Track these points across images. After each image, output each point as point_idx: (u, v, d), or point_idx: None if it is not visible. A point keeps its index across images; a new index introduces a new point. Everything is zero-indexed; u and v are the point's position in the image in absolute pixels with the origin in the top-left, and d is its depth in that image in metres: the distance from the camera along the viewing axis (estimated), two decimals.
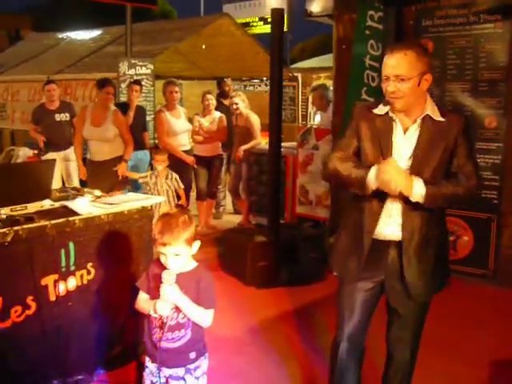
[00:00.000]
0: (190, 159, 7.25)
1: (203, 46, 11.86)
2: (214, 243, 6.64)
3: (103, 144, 6.51)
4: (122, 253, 3.86)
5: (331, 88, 7.33)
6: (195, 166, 7.40)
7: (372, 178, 2.68)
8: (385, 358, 3.22)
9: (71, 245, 3.56)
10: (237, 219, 8.33)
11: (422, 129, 2.73)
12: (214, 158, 7.72)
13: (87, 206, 3.87)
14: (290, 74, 13.67)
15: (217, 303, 2.67)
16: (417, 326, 3.03)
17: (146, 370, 2.80)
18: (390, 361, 3.17)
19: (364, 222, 2.85)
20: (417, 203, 2.69)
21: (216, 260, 6.27)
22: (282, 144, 6.07)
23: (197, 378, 2.72)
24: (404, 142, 2.76)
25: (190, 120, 7.67)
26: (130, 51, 9.81)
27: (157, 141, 7.67)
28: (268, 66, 5.85)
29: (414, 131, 2.75)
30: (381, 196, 2.77)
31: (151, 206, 4.04)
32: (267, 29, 16.27)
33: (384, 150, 2.76)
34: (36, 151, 7.94)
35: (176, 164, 7.02)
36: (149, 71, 9.61)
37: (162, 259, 2.60)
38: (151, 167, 7.20)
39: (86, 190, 4.44)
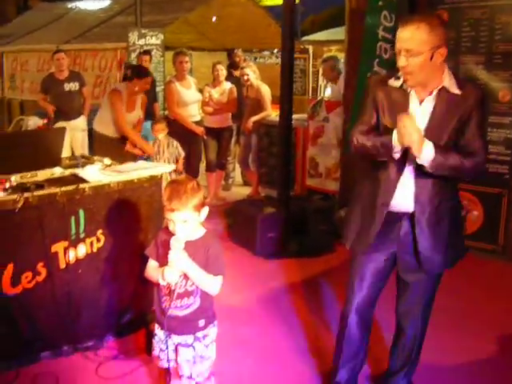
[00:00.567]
0: (199, 130, 7.21)
1: (214, 19, 11.75)
2: (224, 214, 6.65)
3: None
4: (132, 221, 3.86)
5: (342, 60, 7.26)
6: (205, 136, 7.36)
7: (395, 139, 2.63)
8: (393, 330, 3.23)
9: (81, 212, 3.57)
10: (246, 191, 8.32)
11: (438, 101, 2.68)
12: (223, 129, 7.67)
13: (97, 173, 3.87)
14: (301, 47, 13.53)
15: (225, 270, 2.66)
16: (427, 299, 3.02)
17: (156, 337, 2.81)
18: (398, 334, 3.17)
19: (379, 194, 2.83)
20: (429, 175, 2.67)
21: (225, 231, 6.29)
22: (293, 116, 6.03)
23: (206, 346, 2.73)
24: (419, 113, 2.71)
25: (201, 91, 7.61)
26: (140, 21, 9.72)
27: (167, 111, 7.62)
28: (279, 38, 5.78)
29: (430, 103, 2.70)
30: (398, 167, 2.75)
31: (161, 175, 4.03)
32: (279, 0, 16.07)
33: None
34: (46, 121, 7.92)
35: (186, 135, 7.00)
36: (159, 41, 9.55)
37: (170, 226, 2.59)
38: None
39: (95, 158, 4.43)
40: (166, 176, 4.01)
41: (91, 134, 6.90)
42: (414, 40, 2.55)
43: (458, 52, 5.76)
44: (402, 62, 2.60)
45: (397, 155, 2.68)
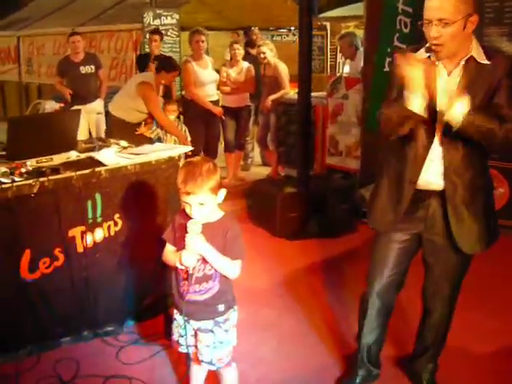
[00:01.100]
0: (217, 110, 7.13)
1: None
2: (243, 195, 6.57)
3: None
4: (149, 204, 3.80)
5: (360, 36, 7.11)
6: (223, 117, 7.28)
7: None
8: (418, 312, 3.15)
9: (98, 196, 3.52)
10: (265, 171, 8.25)
11: (465, 71, 2.56)
12: (241, 108, 7.59)
13: (113, 156, 3.81)
14: (319, 23, 13.34)
15: (245, 253, 2.59)
16: (456, 281, 2.94)
17: (175, 322, 2.76)
18: (425, 316, 3.09)
19: (406, 171, 2.73)
20: (458, 149, 2.58)
21: (245, 212, 6.20)
22: (312, 94, 5.92)
23: (226, 331, 2.66)
24: (447, 85, 2.60)
25: (217, 71, 7.52)
26: (155, 1, 9.61)
27: (183, 92, 7.54)
28: (295, 15, 5.69)
29: (457, 74, 2.59)
30: (426, 142, 2.65)
31: (178, 156, 3.96)
32: None
33: (428, 94, 2.62)
34: (62, 104, 7.90)
35: (203, 115, 6.94)
36: (174, 21, 9.45)
37: (187, 209, 2.52)
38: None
39: (112, 140, 4.37)
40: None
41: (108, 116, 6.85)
42: (447, 8, 2.44)
43: (482, 24, 5.58)
44: (434, 32, 2.48)
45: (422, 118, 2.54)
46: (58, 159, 3.68)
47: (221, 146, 7.73)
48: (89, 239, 3.52)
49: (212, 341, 2.65)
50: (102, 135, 7.45)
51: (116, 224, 3.64)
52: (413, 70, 2.43)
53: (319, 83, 10.91)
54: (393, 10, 5.75)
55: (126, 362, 3.43)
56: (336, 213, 5.77)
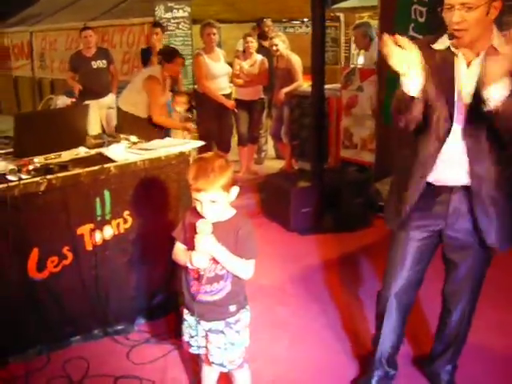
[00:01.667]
0: (230, 103, 7.04)
1: None
2: (256, 189, 6.50)
3: None
4: (160, 200, 3.73)
5: (374, 26, 6.98)
6: (235, 110, 7.20)
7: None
8: (437, 312, 3.05)
9: (106, 193, 3.45)
10: (279, 164, 8.15)
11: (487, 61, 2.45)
12: (255, 101, 7.49)
13: (123, 152, 3.74)
14: (332, 14, 13.20)
15: (258, 253, 2.50)
16: (478, 279, 2.83)
17: (185, 322, 2.68)
18: (445, 316, 2.99)
19: (417, 166, 2.63)
20: (482, 145, 2.47)
21: (258, 206, 6.15)
22: (325, 86, 5.81)
23: (237, 332, 2.58)
24: (467, 76, 2.49)
25: (230, 64, 7.43)
26: None
27: (196, 85, 7.46)
28: (308, 6, 5.56)
29: (478, 65, 2.47)
30: (438, 137, 2.54)
31: (189, 151, 3.88)
32: None
33: (445, 85, 2.51)
34: (74, 99, 7.86)
35: (216, 108, 6.86)
36: (186, 14, 9.36)
37: (198, 207, 2.43)
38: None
39: (122, 136, 4.30)
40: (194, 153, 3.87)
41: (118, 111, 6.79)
42: None
43: (500, 11, 5.45)
44: (456, 17, 2.35)
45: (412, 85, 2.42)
46: (67, 155, 3.63)
47: (234, 140, 7.64)
48: (98, 237, 3.46)
49: (223, 342, 2.58)
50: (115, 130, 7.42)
51: (126, 221, 3.57)
52: (401, 51, 2.32)
53: (333, 75, 10.78)
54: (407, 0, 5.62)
55: (137, 361, 3.38)
56: (351, 207, 5.67)
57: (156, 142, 4.00)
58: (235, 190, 2.49)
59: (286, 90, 7.29)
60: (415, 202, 2.66)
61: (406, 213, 2.69)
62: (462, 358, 3.10)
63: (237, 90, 7.47)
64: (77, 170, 3.33)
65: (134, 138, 4.14)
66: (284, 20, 13.74)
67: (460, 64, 2.50)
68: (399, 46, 2.31)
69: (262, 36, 8.34)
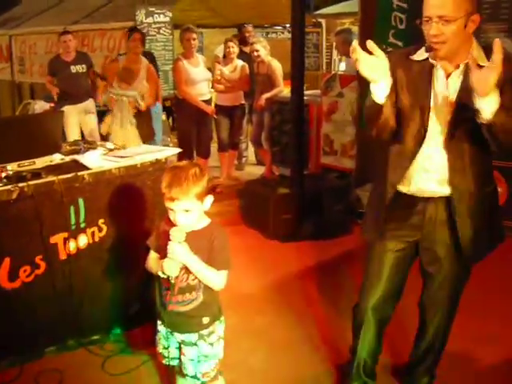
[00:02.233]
0: (209, 109, 6.99)
1: None
2: (236, 195, 6.45)
3: None
4: (136, 208, 3.67)
5: (356, 32, 6.99)
6: (215, 116, 7.15)
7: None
8: (416, 321, 3.03)
9: (81, 201, 3.39)
10: (260, 170, 8.12)
11: (466, 74, 2.39)
12: (235, 107, 7.46)
13: (98, 159, 3.69)
14: (314, 20, 13.21)
15: (231, 264, 2.47)
16: (456, 291, 2.81)
17: (158, 333, 2.64)
18: (422, 327, 2.97)
19: (392, 175, 2.61)
20: (464, 158, 2.46)
21: (238, 213, 6.07)
22: (306, 92, 5.79)
23: (211, 344, 2.54)
24: (446, 88, 2.47)
25: (209, 69, 7.39)
26: None
27: (176, 91, 7.41)
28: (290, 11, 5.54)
29: (457, 77, 2.45)
30: (411, 147, 2.53)
31: (166, 158, 3.83)
32: None
33: (420, 96, 2.49)
34: (53, 104, 7.77)
35: (195, 114, 6.81)
36: (167, 19, 9.31)
37: (171, 216, 2.40)
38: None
39: (98, 143, 4.25)
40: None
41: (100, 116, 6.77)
42: (448, 5, 2.31)
43: (478, 25, 5.46)
44: (434, 30, 2.34)
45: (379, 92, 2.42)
46: (41, 162, 3.55)
47: (214, 146, 7.60)
48: (72, 246, 3.40)
49: (196, 354, 2.53)
50: (95, 135, 7.32)
51: (101, 230, 3.51)
52: (369, 57, 2.31)
53: (315, 81, 10.80)
54: (387, 6, 5.63)
55: (112, 372, 3.31)
56: (331, 214, 5.65)
57: (132, 149, 3.95)
58: (210, 198, 2.46)
59: (266, 95, 7.27)
60: (391, 212, 2.64)
61: (382, 223, 2.67)
62: (442, 368, 3.07)
63: (217, 96, 7.44)
64: (50, 178, 3.27)
65: (110, 145, 4.08)
66: (266, 25, 13.73)
67: (439, 75, 2.49)
68: (369, 52, 2.29)
69: (243, 41, 8.32)
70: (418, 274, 2.87)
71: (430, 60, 2.50)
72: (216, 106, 7.22)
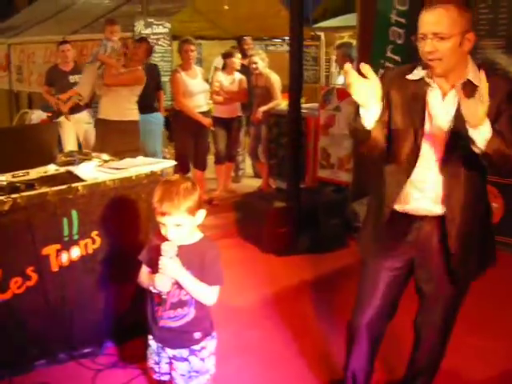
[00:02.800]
0: (206, 121, 6.96)
1: (226, 7, 11.46)
2: (233, 208, 6.42)
3: None
4: (130, 221, 3.65)
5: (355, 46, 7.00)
6: (212, 128, 7.13)
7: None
8: (411, 338, 2.99)
9: (74, 213, 3.36)
10: (256, 183, 8.09)
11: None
12: (233, 119, 7.45)
13: (93, 171, 3.67)
14: (313, 33, 13.25)
15: (223, 279, 2.45)
16: (452, 311, 2.78)
17: (149, 348, 2.62)
18: (416, 345, 2.93)
19: (385, 194, 2.59)
20: (459, 177, 2.45)
21: (234, 225, 6.04)
22: (303, 105, 5.78)
23: (202, 360, 2.51)
24: (442, 108, 2.46)
25: (207, 81, 7.39)
26: (146, 9, 9.49)
27: (173, 102, 7.40)
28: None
29: (453, 97, 2.43)
30: (405, 167, 2.52)
31: (161, 171, 3.81)
32: None
33: (414, 116, 2.48)
34: (50, 114, 7.75)
35: (192, 126, 6.79)
36: (166, 30, 9.31)
37: (163, 230, 2.38)
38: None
39: (93, 154, 4.22)
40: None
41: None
42: (443, 22, 2.31)
43: (476, 36, 5.46)
44: (428, 47, 2.34)
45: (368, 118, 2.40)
46: (35, 173, 3.52)
47: (211, 158, 7.58)
48: (64, 258, 3.36)
49: (187, 370, 2.51)
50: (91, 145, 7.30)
51: (94, 241, 3.48)
52: (362, 81, 2.28)
53: (313, 94, 10.81)
54: (385, 21, 5.63)
55: None
56: (327, 227, 5.63)
57: (128, 161, 3.92)
58: (202, 213, 2.44)
59: (263, 108, 7.27)
60: (387, 230, 2.62)
61: (378, 242, 2.64)
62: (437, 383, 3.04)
63: (215, 108, 7.42)
64: (43, 189, 3.25)
65: (105, 156, 4.06)
66: (265, 38, 13.76)
67: (435, 95, 2.48)
68: (362, 74, 2.27)
69: (242, 54, 8.33)
70: (412, 289, 2.85)
71: (425, 79, 2.49)
72: (213, 117, 7.20)
